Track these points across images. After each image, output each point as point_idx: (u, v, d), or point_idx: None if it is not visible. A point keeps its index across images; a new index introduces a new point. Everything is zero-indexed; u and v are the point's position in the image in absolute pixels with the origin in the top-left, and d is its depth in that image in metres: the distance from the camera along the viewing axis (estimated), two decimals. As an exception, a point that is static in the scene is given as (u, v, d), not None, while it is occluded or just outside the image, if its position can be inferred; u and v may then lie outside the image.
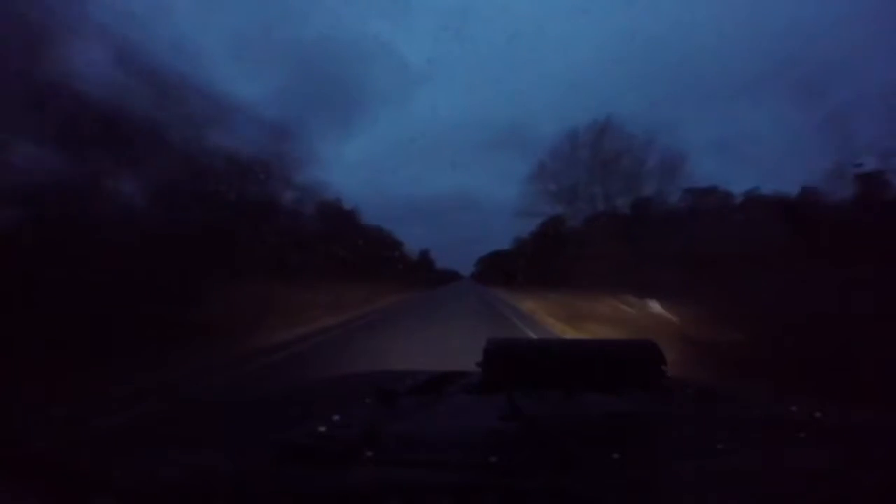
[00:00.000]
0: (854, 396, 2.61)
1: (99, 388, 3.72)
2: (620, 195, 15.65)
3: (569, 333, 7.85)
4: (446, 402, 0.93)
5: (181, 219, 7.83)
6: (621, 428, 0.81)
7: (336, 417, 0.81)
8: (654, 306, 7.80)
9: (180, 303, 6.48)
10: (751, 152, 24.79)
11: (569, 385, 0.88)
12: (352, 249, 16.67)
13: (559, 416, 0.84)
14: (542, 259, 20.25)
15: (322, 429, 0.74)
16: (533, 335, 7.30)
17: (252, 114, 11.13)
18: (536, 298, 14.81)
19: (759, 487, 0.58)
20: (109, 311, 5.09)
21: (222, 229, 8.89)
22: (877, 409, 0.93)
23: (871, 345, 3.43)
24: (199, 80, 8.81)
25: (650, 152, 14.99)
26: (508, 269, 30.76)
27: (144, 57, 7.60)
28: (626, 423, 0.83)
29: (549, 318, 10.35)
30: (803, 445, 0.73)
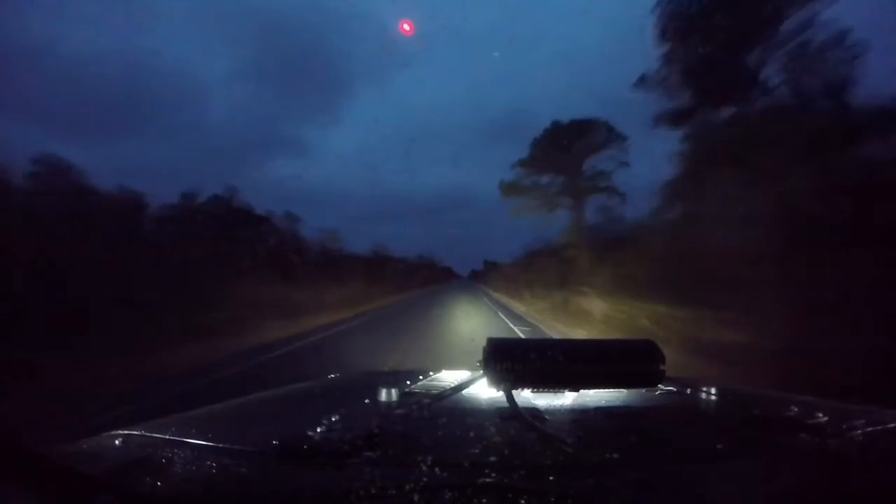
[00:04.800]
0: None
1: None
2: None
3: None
4: (447, 402, 0.92)
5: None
6: (621, 428, 0.81)
7: (336, 417, 0.81)
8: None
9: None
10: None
11: (569, 385, 0.88)
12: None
13: (559, 415, 0.84)
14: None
15: (322, 429, 0.74)
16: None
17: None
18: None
19: (760, 487, 0.58)
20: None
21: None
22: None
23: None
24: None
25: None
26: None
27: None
28: (626, 423, 0.83)
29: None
30: (803, 445, 0.73)
